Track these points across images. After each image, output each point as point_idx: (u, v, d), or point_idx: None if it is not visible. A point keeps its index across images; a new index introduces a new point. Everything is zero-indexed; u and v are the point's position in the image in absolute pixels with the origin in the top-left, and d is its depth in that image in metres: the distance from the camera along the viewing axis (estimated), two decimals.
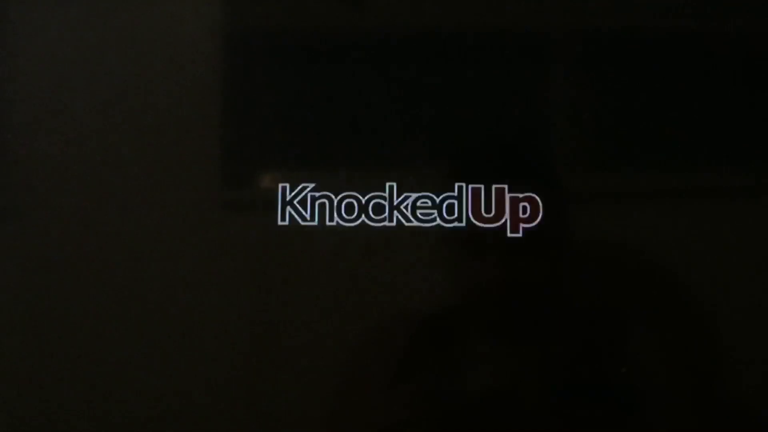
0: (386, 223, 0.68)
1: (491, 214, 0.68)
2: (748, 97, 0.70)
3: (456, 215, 0.68)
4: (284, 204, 0.68)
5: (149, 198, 0.69)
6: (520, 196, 0.68)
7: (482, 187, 0.68)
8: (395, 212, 0.68)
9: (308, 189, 0.68)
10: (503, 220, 0.68)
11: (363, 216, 0.68)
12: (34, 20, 0.71)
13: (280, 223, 0.68)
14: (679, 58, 0.70)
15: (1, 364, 0.68)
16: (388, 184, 0.68)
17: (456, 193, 0.68)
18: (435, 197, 0.68)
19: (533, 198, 0.68)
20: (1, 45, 0.71)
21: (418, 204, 0.68)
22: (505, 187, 0.68)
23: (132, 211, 0.69)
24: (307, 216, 0.68)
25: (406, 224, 0.68)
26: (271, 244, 0.68)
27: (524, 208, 0.68)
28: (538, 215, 0.68)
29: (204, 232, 0.69)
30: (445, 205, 0.68)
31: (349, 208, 0.68)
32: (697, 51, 0.70)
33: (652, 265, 0.69)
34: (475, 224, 0.68)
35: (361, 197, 0.68)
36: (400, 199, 0.68)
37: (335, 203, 0.68)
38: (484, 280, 0.68)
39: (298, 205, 0.68)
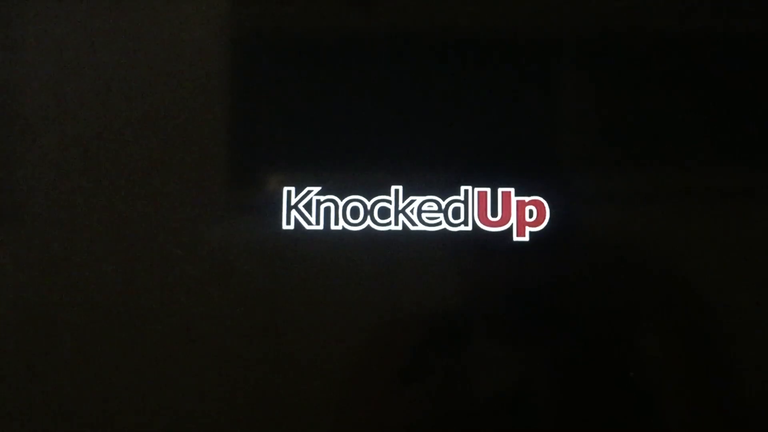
0: (392, 227, 0.68)
1: (497, 218, 0.68)
2: (759, 98, 0.70)
3: (462, 219, 0.68)
4: (289, 208, 0.68)
5: (153, 200, 0.69)
6: (527, 199, 0.68)
7: (488, 190, 0.68)
8: (401, 216, 0.68)
9: (313, 193, 0.68)
10: (509, 224, 0.68)
11: (368, 220, 0.68)
12: (36, 22, 0.71)
13: (284, 227, 0.68)
14: (685, 60, 0.70)
15: (2, 366, 0.68)
16: (393, 188, 0.68)
17: (462, 197, 0.68)
18: (441, 201, 0.68)
19: (539, 201, 0.68)
20: (3, 46, 0.71)
21: (424, 207, 0.68)
22: (512, 190, 0.68)
23: (136, 213, 0.69)
24: (312, 220, 0.68)
25: (412, 228, 0.68)
26: (276, 248, 0.68)
27: (530, 211, 0.68)
28: (545, 219, 0.68)
29: (208, 235, 0.68)
30: (451, 209, 0.68)
31: (355, 212, 0.68)
32: (704, 53, 0.70)
33: (659, 268, 0.69)
34: (481, 228, 0.67)
35: (366, 201, 0.68)
36: (405, 202, 0.68)
37: (340, 207, 0.68)
38: (490, 284, 0.68)
39: (303, 209, 0.68)
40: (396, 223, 0.68)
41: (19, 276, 0.68)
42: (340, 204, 0.68)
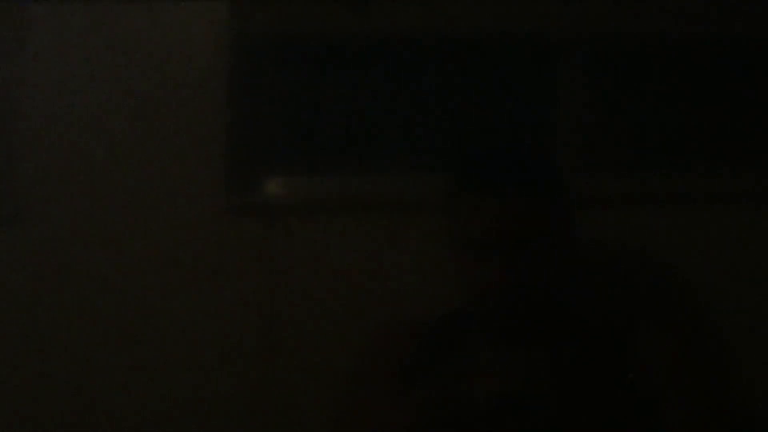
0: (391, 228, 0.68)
1: (497, 220, 0.67)
2: (759, 101, 0.70)
3: (462, 220, 0.68)
4: (288, 209, 0.68)
5: (153, 203, 0.69)
6: (526, 201, 0.67)
7: (488, 192, 0.68)
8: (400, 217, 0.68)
9: (312, 194, 0.68)
10: (509, 226, 0.67)
11: (368, 221, 0.68)
12: (38, 25, 0.71)
13: (284, 228, 0.68)
14: (686, 64, 0.70)
15: (4, 370, 0.68)
16: (393, 189, 0.68)
17: (462, 198, 0.68)
18: (440, 202, 0.68)
19: (539, 203, 0.67)
20: (5, 48, 0.71)
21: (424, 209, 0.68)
22: (511, 192, 0.67)
23: (136, 215, 0.69)
24: (310, 221, 0.68)
25: (411, 229, 0.68)
26: (275, 248, 0.68)
27: (530, 213, 0.67)
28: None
29: (207, 236, 0.69)
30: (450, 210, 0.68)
31: (354, 214, 0.68)
32: (704, 56, 0.71)
33: (658, 269, 0.69)
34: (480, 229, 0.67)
35: (365, 202, 0.68)
36: (405, 204, 0.68)
37: (340, 208, 0.68)
38: (490, 285, 0.68)
39: (301, 211, 0.68)
40: (396, 225, 0.68)
41: (19, 277, 0.68)
42: (340, 206, 0.68)
